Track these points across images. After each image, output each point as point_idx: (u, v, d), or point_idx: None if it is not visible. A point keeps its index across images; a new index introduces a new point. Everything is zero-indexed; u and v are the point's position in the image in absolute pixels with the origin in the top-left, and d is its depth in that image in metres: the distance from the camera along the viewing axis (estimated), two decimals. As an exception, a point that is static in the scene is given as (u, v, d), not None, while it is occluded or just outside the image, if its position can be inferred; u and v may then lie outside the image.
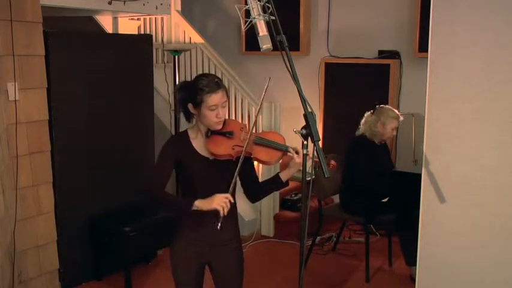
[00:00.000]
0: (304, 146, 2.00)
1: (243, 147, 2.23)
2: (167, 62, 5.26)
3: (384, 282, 3.98)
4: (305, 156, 2.01)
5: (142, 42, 4.20)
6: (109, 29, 4.70)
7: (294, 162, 2.25)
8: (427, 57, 2.47)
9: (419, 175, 2.55)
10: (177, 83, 4.66)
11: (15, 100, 3.18)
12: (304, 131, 1.97)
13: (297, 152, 2.23)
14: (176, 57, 4.60)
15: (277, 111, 4.83)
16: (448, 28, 2.38)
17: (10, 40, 3.09)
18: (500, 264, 2.39)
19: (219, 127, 2.27)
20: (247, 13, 2.05)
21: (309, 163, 2.05)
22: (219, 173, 2.28)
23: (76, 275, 3.83)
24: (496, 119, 2.32)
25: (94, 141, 3.87)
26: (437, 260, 2.55)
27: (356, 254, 4.45)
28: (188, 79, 5.24)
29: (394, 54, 5.03)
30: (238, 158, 2.22)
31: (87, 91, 3.80)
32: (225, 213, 2.14)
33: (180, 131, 4.70)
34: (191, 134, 2.33)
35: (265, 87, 2.16)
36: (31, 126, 3.33)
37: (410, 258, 3.72)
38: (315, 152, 1.97)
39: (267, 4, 1.98)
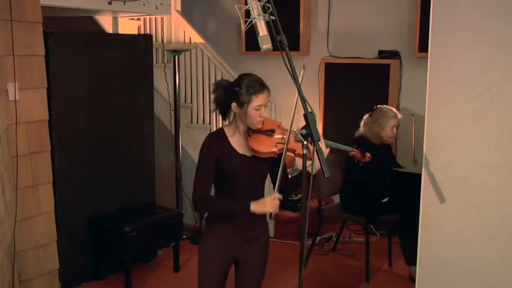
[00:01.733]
0: (304, 146, 2.00)
1: (284, 144, 2.27)
2: (167, 62, 5.26)
3: (384, 282, 3.98)
4: (305, 156, 2.01)
5: (142, 42, 4.20)
6: (109, 29, 4.70)
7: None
8: (427, 57, 2.46)
9: (419, 175, 2.55)
10: (177, 83, 4.67)
11: (15, 100, 3.18)
12: (304, 131, 1.98)
13: (326, 147, 2.30)
14: (176, 57, 4.60)
15: (277, 111, 4.83)
16: (448, 28, 2.38)
17: (10, 40, 3.09)
18: (500, 264, 2.39)
19: (261, 126, 2.33)
20: (247, 13, 2.06)
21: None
22: (256, 169, 2.36)
23: (76, 275, 3.83)
24: (496, 119, 2.32)
25: (94, 141, 3.87)
26: (437, 260, 2.55)
27: (356, 254, 4.45)
28: (188, 79, 5.26)
29: (394, 54, 5.03)
30: (280, 155, 2.28)
31: (87, 91, 3.81)
32: (277, 211, 2.29)
33: (181, 131, 4.77)
34: (228, 132, 2.37)
35: (295, 103, 2.17)
36: (31, 126, 3.33)
37: (410, 258, 3.72)
38: (315, 152, 1.97)
39: (267, 4, 1.98)
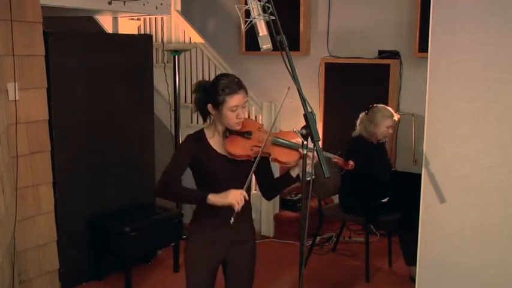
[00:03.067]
0: (304, 146, 2.00)
1: (261, 147, 2.23)
2: (167, 62, 5.26)
3: (384, 282, 3.98)
4: (305, 156, 2.01)
5: (142, 42, 4.20)
6: (109, 29, 4.70)
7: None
8: (427, 57, 2.47)
9: (419, 175, 2.55)
10: (177, 83, 4.66)
11: (15, 100, 3.18)
12: (304, 131, 1.97)
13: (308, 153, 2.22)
14: (176, 57, 4.59)
15: (277, 111, 4.82)
16: (448, 28, 2.38)
17: (10, 40, 3.09)
18: (500, 264, 2.39)
19: (239, 127, 2.28)
20: (247, 13, 2.06)
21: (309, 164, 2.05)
22: (237, 172, 2.28)
23: (76, 275, 3.83)
24: (496, 119, 2.32)
25: (94, 141, 3.87)
26: (437, 260, 2.55)
27: (356, 254, 4.45)
28: (188, 79, 5.26)
29: (394, 54, 5.03)
30: (256, 157, 2.23)
31: (87, 91, 3.80)
32: (239, 210, 2.14)
33: (181, 131, 4.76)
34: (208, 134, 2.34)
35: (284, 96, 2.14)
36: (31, 126, 3.32)
37: (410, 258, 3.72)
38: (314, 152, 1.97)
39: (267, 4, 1.98)
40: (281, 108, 2.22)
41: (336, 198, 4.64)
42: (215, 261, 2.42)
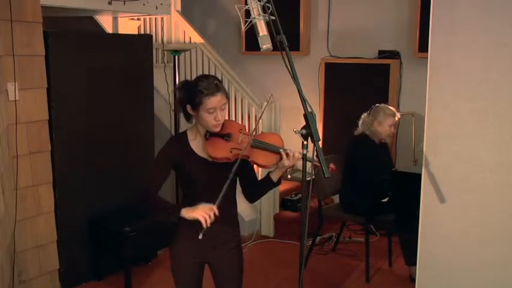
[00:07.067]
0: (304, 146, 2.00)
1: (241, 150, 2.20)
2: (167, 62, 5.26)
3: (384, 282, 3.98)
4: (305, 156, 2.00)
5: (142, 42, 4.20)
6: (109, 29, 4.70)
7: (282, 163, 2.24)
8: (427, 57, 2.47)
9: (419, 175, 2.55)
10: (177, 83, 4.67)
11: (15, 100, 3.18)
12: (304, 131, 1.97)
13: (287, 155, 2.22)
14: (176, 57, 4.59)
15: (277, 111, 4.83)
16: (448, 28, 2.38)
17: (10, 40, 3.09)
18: (500, 264, 2.39)
19: (218, 129, 2.25)
20: (247, 13, 2.05)
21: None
22: (219, 175, 2.24)
23: (76, 275, 3.83)
24: (496, 119, 2.32)
25: (94, 141, 3.87)
26: (437, 260, 2.55)
27: (356, 254, 4.45)
28: (188, 79, 5.25)
29: (394, 54, 5.03)
30: (236, 160, 2.19)
31: (87, 91, 3.80)
32: (208, 225, 2.10)
33: (180, 131, 4.76)
34: (190, 136, 2.32)
35: (266, 103, 2.14)
36: (31, 126, 3.33)
37: (410, 258, 3.72)
38: (314, 152, 1.97)
39: (267, 4, 1.98)
40: (263, 113, 2.20)
41: (336, 198, 4.64)
42: (197, 261, 2.39)
